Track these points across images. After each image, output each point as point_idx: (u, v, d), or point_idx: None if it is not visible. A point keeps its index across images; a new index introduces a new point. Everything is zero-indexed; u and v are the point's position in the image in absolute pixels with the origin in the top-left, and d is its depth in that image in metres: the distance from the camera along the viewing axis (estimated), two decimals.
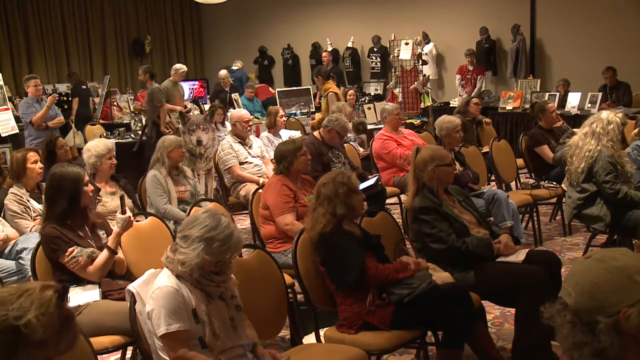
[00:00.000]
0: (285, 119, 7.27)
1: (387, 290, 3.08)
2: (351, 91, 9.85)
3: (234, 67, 12.58)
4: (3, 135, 7.77)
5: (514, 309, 3.43)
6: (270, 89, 12.42)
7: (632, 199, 4.34)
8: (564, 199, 5.81)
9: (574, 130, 5.28)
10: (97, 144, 4.55)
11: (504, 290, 3.33)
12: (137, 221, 3.81)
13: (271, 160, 5.83)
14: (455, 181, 4.12)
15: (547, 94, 9.52)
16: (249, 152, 5.92)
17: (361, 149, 7.43)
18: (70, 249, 3.22)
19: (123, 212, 3.49)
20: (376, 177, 5.48)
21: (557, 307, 1.46)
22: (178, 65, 9.49)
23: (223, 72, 10.84)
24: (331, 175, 3.31)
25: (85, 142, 6.74)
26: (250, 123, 6.07)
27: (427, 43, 11.49)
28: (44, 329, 1.50)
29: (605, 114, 4.51)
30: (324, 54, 12.22)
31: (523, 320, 3.26)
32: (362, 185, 4.90)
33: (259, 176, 5.80)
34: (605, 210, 4.46)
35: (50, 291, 1.57)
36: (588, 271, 1.44)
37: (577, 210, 4.62)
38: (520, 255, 3.47)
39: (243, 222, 6.45)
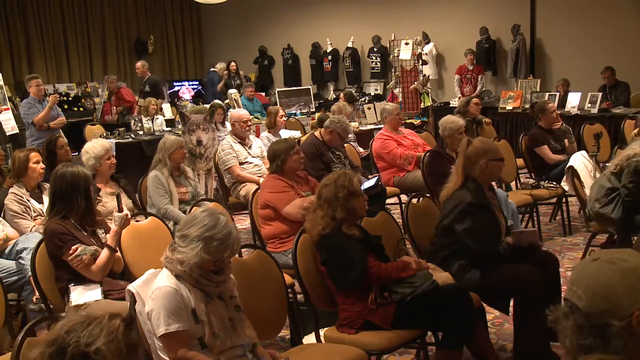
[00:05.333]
0: (285, 119, 7.28)
1: (389, 289, 3.07)
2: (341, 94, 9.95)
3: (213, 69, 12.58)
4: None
5: (513, 310, 3.43)
6: (264, 95, 12.42)
7: None
8: (563, 198, 5.82)
9: None
10: (94, 146, 4.55)
11: (503, 290, 3.33)
12: (137, 221, 3.81)
13: None
14: None
15: (547, 94, 9.52)
16: (248, 152, 5.93)
17: (361, 149, 7.42)
18: (74, 247, 3.23)
19: (120, 210, 3.49)
20: (376, 177, 5.47)
21: (564, 310, 1.43)
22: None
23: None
24: (333, 176, 3.29)
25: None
26: (249, 123, 6.07)
27: (427, 43, 11.48)
28: (112, 356, 1.56)
29: None
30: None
31: (523, 320, 3.26)
32: (362, 186, 4.89)
33: (259, 176, 5.79)
34: (620, 214, 4.30)
35: (118, 320, 1.66)
36: (600, 273, 1.42)
37: (599, 202, 4.40)
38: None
39: (243, 222, 6.45)
